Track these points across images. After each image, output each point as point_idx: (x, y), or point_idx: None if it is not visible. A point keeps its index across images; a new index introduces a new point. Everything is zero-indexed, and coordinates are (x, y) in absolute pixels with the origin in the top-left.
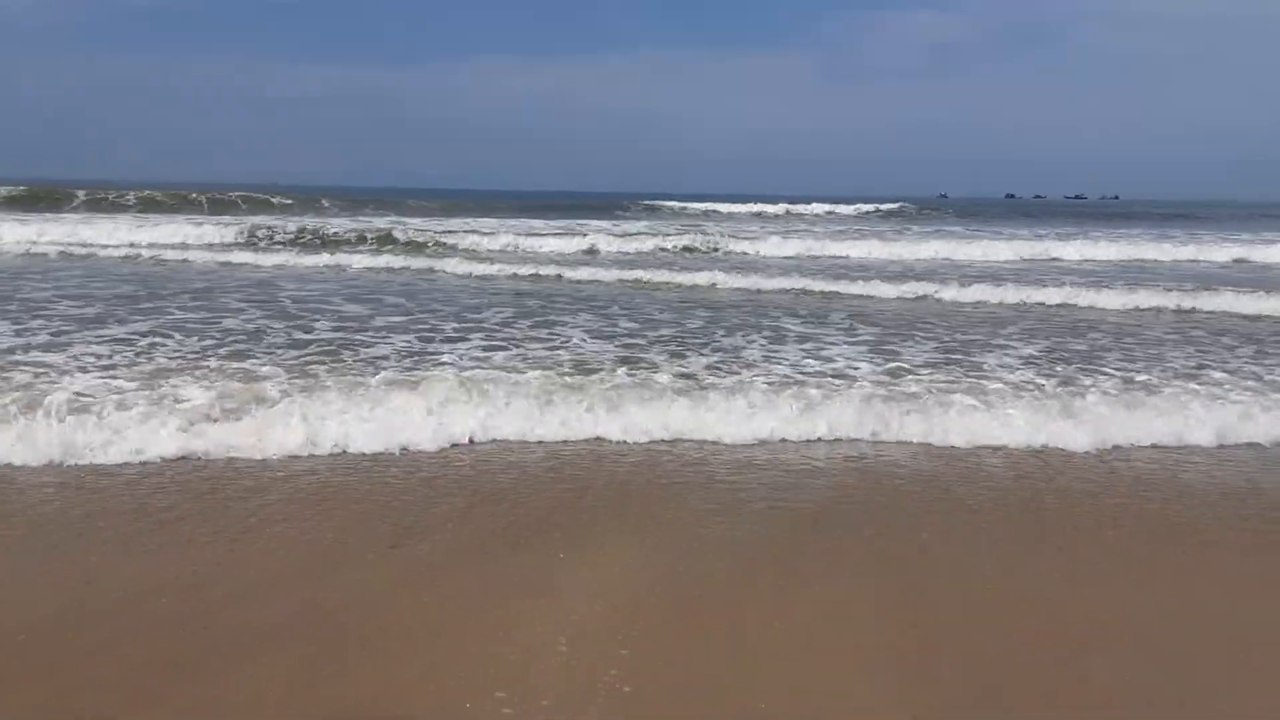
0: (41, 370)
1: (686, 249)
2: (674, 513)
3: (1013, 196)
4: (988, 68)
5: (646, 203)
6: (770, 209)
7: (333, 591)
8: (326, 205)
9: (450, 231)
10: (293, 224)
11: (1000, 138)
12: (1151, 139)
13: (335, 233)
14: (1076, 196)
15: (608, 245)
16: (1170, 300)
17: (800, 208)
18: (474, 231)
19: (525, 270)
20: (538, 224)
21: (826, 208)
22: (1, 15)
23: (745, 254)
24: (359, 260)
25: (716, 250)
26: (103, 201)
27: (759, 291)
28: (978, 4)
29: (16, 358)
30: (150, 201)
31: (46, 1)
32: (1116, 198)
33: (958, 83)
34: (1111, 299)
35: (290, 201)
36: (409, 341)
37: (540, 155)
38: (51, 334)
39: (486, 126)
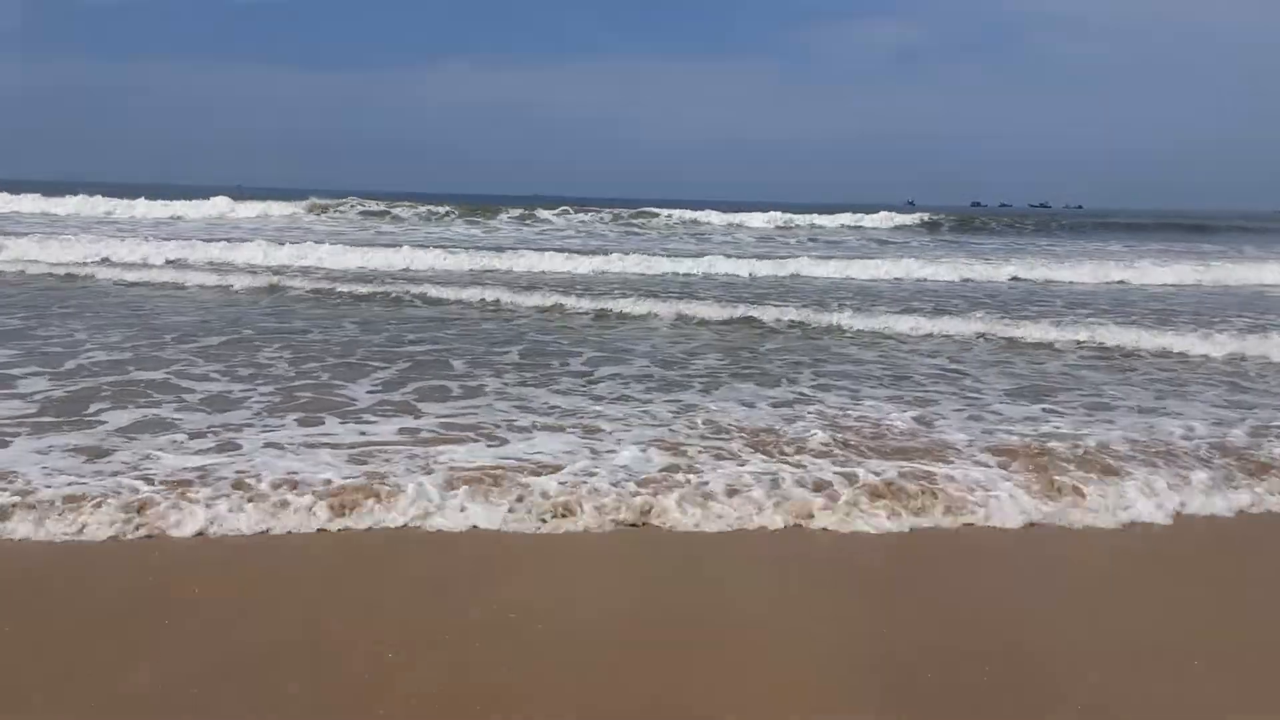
0: None
1: None
2: None
3: (979, 204)
4: (951, 75)
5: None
6: (799, 219)
7: None
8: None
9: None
10: None
11: (962, 146)
12: (1109, 149)
13: None
14: (1041, 205)
15: None
16: None
17: (825, 218)
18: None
19: None
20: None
21: (870, 220)
22: None
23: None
24: None
25: None
26: None
27: None
28: (939, 12)
29: None
30: None
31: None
32: (1080, 207)
33: (921, 90)
34: None
35: None
36: None
37: (505, 160)
38: None
39: (445, 132)
